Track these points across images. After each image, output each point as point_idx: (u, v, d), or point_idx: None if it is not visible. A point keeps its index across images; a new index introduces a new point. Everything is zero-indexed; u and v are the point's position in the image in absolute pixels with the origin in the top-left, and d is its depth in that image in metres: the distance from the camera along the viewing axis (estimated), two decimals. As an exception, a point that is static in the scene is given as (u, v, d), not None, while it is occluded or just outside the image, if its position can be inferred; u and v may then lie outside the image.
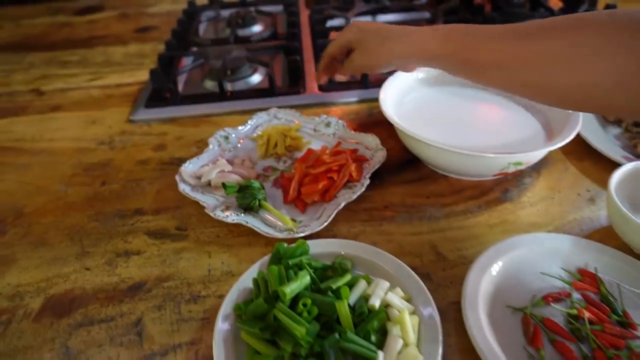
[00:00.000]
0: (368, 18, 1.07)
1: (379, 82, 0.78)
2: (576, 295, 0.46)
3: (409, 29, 0.52)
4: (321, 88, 0.83)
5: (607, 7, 0.98)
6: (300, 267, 0.46)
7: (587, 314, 0.44)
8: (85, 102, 0.87)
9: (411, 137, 0.57)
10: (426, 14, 1.06)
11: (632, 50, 0.35)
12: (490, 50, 0.43)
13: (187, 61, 0.96)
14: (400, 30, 0.53)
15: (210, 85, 0.88)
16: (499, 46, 0.43)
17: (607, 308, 0.45)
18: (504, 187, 0.61)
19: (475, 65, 0.45)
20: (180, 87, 0.87)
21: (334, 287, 0.44)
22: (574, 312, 0.44)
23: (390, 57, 0.53)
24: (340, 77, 0.66)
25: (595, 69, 0.37)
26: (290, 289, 0.42)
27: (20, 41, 1.16)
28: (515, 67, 0.42)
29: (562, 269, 0.49)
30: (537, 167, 0.63)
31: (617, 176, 0.52)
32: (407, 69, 0.57)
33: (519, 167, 0.57)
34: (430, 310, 0.43)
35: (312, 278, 0.45)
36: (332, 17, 1.05)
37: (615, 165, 0.60)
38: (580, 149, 0.65)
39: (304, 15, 1.13)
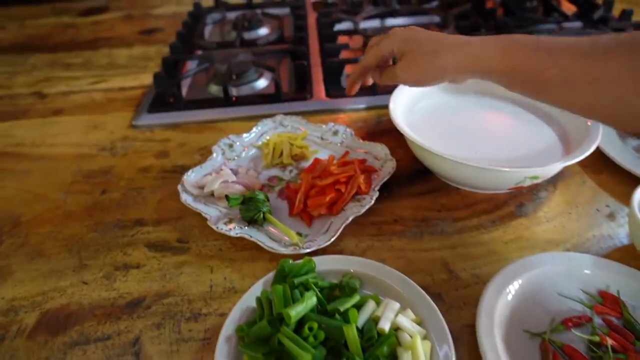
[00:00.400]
0: (377, 22, 1.05)
1: (388, 89, 0.76)
2: (597, 320, 0.44)
3: (461, 39, 0.48)
4: (328, 94, 0.81)
5: (623, 12, 0.95)
6: (306, 286, 0.44)
7: (610, 341, 0.41)
8: (87, 106, 0.85)
9: (423, 149, 0.55)
10: (436, 18, 1.04)
11: None
12: (559, 67, 0.40)
13: (191, 65, 0.94)
14: (452, 41, 0.48)
15: (214, 89, 0.86)
16: (569, 62, 0.39)
17: (631, 334, 0.42)
18: (518, 200, 0.59)
19: (540, 82, 0.42)
20: (184, 91, 0.85)
21: (341, 309, 0.42)
22: (596, 338, 0.41)
23: (442, 72, 0.49)
24: (370, 82, 0.61)
25: None
26: (296, 312, 0.40)
27: (24, 42, 1.15)
28: (585, 86, 0.39)
29: (582, 290, 0.46)
30: (553, 180, 0.61)
31: (640, 193, 0.50)
32: (457, 82, 0.52)
33: (535, 181, 0.55)
34: (443, 334, 0.41)
35: (318, 299, 0.42)
36: (340, 20, 1.03)
37: (635, 179, 0.58)
38: (597, 162, 0.63)
39: (311, 18, 1.11)
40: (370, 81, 0.60)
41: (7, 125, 0.81)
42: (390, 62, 0.58)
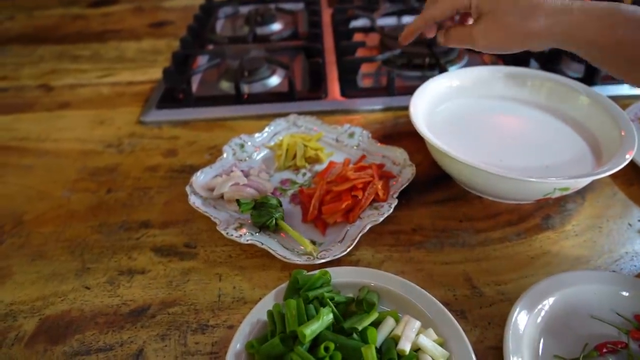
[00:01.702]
0: (393, 19, 1.02)
1: (406, 90, 0.73)
2: (634, 347, 0.41)
3: (559, 2, 0.42)
4: (344, 94, 0.78)
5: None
6: (321, 301, 0.41)
7: (649, 371, 0.38)
8: (94, 100, 0.83)
9: (445, 155, 0.52)
10: (456, 17, 1.00)
11: None
12: None
13: (202, 60, 0.91)
14: (549, 4, 0.42)
15: (226, 86, 0.83)
16: None
17: (671, 364, 0.39)
18: (545, 212, 0.55)
19: None
20: (194, 87, 0.83)
21: (359, 327, 0.39)
22: (634, 368, 0.38)
23: (531, 38, 0.43)
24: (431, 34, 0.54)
25: None
26: (311, 330, 0.37)
27: (32, 33, 1.13)
28: None
29: (617, 313, 0.43)
30: (582, 192, 0.58)
31: (680, 209, 0.46)
32: (535, 49, 0.47)
33: (565, 193, 0.51)
34: (468, 358, 0.38)
35: (334, 316, 0.40)
36: (356, 17, 0.99)
37: (671, 193, 0.55)
38: (629, 172, 0.59)
39: (326, 14, 1.08)
40: (431, 33, 0.54)
41: (12, 118, 0.79)
42: (455, 19, 0.53)
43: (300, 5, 1.13)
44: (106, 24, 1.16)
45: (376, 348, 0.38)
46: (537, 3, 0.43)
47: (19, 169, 0.67)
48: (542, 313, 0.42)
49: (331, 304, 0.40)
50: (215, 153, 0.67)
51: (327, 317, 0.39)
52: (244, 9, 1.11)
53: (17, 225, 0.57)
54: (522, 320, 0.41)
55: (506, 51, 0.48)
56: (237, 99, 0.77)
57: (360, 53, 0.88)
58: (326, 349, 0.37)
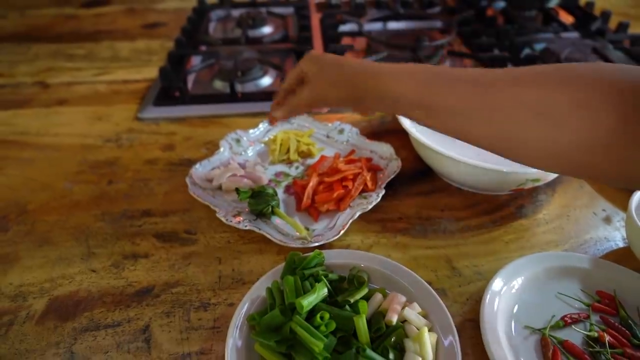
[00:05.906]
0: (380, 25, 1.07)
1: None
2: (595, 318, 0.46)
3: (366, 65, 0.45)
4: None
5: (620, 25, 0.98)
6: (316, 278, 0.45)
7: (607, 337, 0.43)
8: (91, 97, 0.85)
9: (428, 149, 0.56)
10: (438, 24, 1.06)
11: (616, 106, 0.30)
12: (458, 95, 0.38)
13: (196, 60, 0.94)
14: (358, 66, 0.45)
15: (219, 85, 0.86)
16: (467, 90, 0.37)
17: (627, 332, 0.44)
18: (519, 202, 0.60)
19: (440, 110, 0.39)
20: (189, 86, 0.86)
21: (351, 300, 0.43)
22: (594, 335, 0.43)
23: (347, 83, 0.45)
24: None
25: (572, 124, 0.32)
26: (308, 302, 0.41)
27: (25, 32, 1.14)
28: (482, 116, 0.37)
29: (581, 289, 0.48)
30: (552, 184, 0.63)
31: (638, 197, 0.52)
32: (360, 110, 0.55)
33: (536, 184, 0.56)
34: (448, 327, 0.42)
35: (328, 290, 0.43)
36: (344, 22, 1.04)
37: (631, 185, 0.60)
38: (594, 167, 0.65)
39: (315, 19, 1.12)
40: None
41: (10, 113, 0.81)
42: None
43: (290, 10, 1.17)
44: (99, 24, 1.18)
45: (366, 319, 0.42)
46: (352, 64, 0.46)
47: (20, 161, 0.69)
48: (515, 289, 0.47)
49: (325, 280, 0.44)
50: (211, 148, 0.70)
51: (322, 291, 0.42)
52: (236, 12, 1.15)
53: (21, 214, 0.59)
54: (497, 296, 0.46)
55: (327, 105, 0.50)
56: (232, 97, 0.80)
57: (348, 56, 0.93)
58: (321, 318, 0.40)
